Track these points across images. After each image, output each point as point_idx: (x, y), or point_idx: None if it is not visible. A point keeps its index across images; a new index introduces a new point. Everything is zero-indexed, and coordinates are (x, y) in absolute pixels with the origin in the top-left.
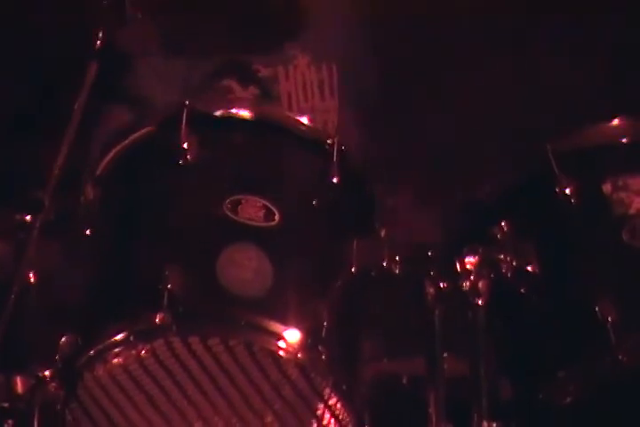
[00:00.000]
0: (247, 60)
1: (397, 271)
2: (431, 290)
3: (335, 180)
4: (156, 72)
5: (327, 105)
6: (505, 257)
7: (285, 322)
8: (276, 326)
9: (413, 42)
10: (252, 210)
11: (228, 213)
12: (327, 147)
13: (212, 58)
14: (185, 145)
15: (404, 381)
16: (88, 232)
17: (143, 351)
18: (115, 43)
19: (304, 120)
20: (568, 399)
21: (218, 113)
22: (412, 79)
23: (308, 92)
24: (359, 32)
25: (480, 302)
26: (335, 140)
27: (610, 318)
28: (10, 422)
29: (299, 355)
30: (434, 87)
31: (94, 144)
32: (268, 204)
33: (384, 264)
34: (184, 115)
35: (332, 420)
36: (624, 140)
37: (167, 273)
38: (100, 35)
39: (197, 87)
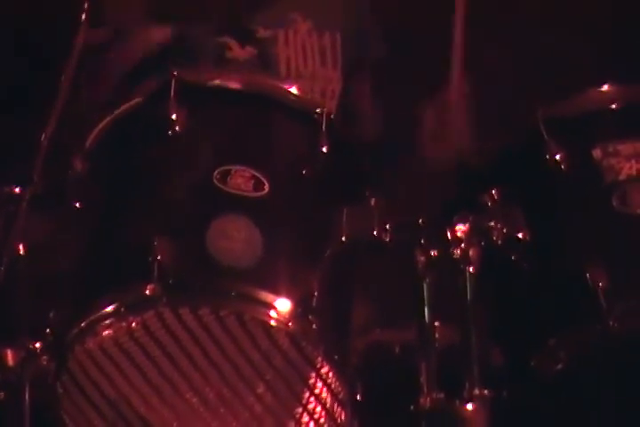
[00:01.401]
0: (247, 20)
1: (388, 240)
2: (422, 258)
3: (324, 149)
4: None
5: (329, 74)
6: (495, 224)
7: (276, 292)
8: (267, 296)
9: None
10: (242, 180)
11: (218, 184)
12: (316, 116)
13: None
14: (173, 116)
15: (396, 350)
16: (77, 205)
17: (134, 323)
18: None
19: (293, 90)
20: (559, 366)
21: (206, 84)
22: (414, 47)
23: (308, 58)
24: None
25: (471, 270)
26: (324, 110)
27: (600, 285)
28: (1, 394)
29: (290, 324)
30: (432, 56)
31: None
32: (257, 174)
33: (374, 233)
34: (172, 85)
35: (324, 389)
36: (614, 106)
37: (157, 244)
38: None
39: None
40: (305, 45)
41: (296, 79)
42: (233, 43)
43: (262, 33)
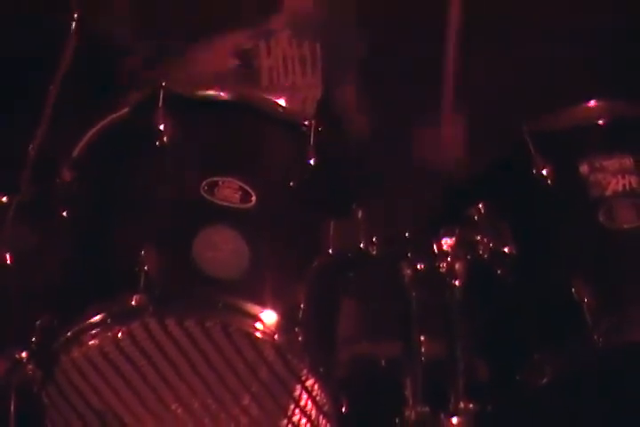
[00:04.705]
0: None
1: (374, 253)
2: (408, 271)
3: (312, 161)
4: None
5: (308, 82)
6: (482, 238)
7: (262, 304)
8: (253, 308)
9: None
10: (229, 192)
11: (205, 195)
12: (304, 128)
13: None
14: (161, 127)
15: (382, 363)
16: (64, 214)
17: (120, 333)
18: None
19: (281, 102)
20: (544, 381)
21: (194, 95)
22: (398, 52)
23: (289, 67)
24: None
25: (457, 284)
26: (312, 122)
27: (586, 300)
28: None
29: (275, 336)
30: (418, 61)
31: None
32: (244, 185)
33: (361, 246)
34: (160, 96)
35: (310, 401)
36: (601, 122)
37: (143, 255)
38: (75, 15)
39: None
40: (285, 55)
41: (278, 89)
42: None
43: (245, 44)
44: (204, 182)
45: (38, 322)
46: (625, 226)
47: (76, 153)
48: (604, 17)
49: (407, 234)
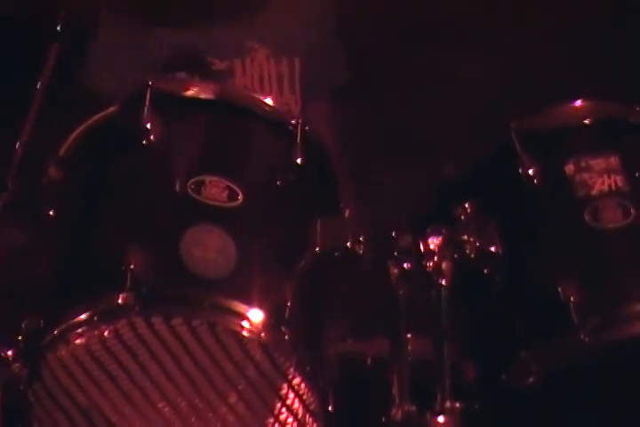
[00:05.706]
0: (201, 54)
1: (361, 252)
2: (395, 271)
3: (299, 160)
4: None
5: (287, 99)
6: (468, 238)
7: (249, 302)
8: (240, 307)
9: (381, 25)
10: (216, 190)
11: (192, 194)
12: (291, 127)
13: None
14: (148, 125)
15: (369, 361)
16: (51, 213)
17: (106, 332)
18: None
19: (268, 101)
20: (530, 380)
21: (181, 93)
22: (380, 63)
23: (265, 85)
24: (322, 21)
25: (444, 283)
26: (299, 121)
27: (572, 299)
28: None
29: (262, 335)
30: (402, 69)
31: None
32: (231, 184)
33: (348, 245)
34: (147, 95)
35: (296, 400)
36: (587, 122)
37: (130, 253)
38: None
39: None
40: (262, 73)
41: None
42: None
43: (218, 65)
44: (191, 181)
45: (25, 320)
46: (610, 226)
47: (62, 151)
48: (601, 15)
49: (394, 233)
